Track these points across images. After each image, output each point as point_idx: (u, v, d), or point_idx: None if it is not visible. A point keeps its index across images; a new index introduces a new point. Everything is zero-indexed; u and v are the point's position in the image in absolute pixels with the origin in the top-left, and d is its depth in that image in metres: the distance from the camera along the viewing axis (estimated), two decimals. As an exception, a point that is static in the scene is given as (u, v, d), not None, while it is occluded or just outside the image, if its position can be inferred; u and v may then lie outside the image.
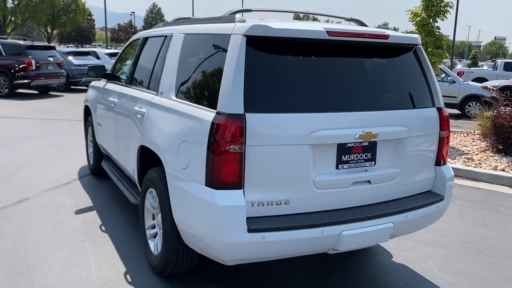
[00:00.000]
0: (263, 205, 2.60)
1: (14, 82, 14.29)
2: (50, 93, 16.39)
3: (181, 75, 3.21)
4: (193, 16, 5.68)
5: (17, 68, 14.24)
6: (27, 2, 34.78)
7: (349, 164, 2.82)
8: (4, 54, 14.56)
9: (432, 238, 4.32)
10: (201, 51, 3.12)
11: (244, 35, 2.58)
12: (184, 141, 2.82)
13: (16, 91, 14.79)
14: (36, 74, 14.51)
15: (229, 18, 2.87)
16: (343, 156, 2.79)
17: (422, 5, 8.57)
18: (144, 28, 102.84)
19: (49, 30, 46.14)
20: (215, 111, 2.58)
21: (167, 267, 3.14)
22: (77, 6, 45.46)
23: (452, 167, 6.69)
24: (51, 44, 18.41)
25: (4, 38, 16.44)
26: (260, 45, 2.62)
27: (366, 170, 2.89)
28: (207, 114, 2.63)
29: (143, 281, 3.27)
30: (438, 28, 8.58)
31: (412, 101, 3.13)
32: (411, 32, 6.43)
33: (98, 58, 19.22)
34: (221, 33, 2.79)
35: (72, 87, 17.35)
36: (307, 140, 2.62)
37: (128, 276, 3.34)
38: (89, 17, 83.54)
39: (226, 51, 2.64)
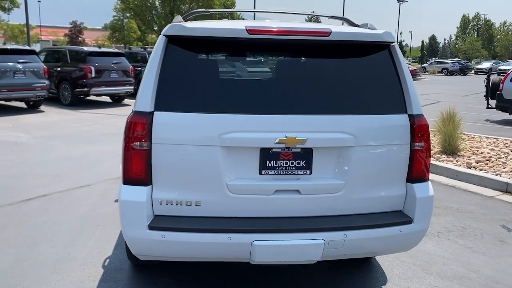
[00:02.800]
0: (171, 204, 2.60)
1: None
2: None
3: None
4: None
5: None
6: (188, 19, 39.05)
7: (275, 171, 2.62)
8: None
9: (456, 271, 3.65)
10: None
11: (164, 35, 2.62)
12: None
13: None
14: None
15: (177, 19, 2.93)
16: (268, 161, 2.60)
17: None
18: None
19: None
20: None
21: (129, 256, 3.33)
22: (232, 17, 49.17)
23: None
24: None
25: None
26: (180, 45, 2.62)
27: (298, 179, 2.64)
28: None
29: (115, 267, 3.51)
30: None
31: (368, 106, 2.73)
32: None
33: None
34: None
35: None
36: (217, 141, 2.53)
37: (107, 261, 3.62)
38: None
39: None
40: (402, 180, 2.79)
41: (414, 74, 38.94)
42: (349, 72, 2.77)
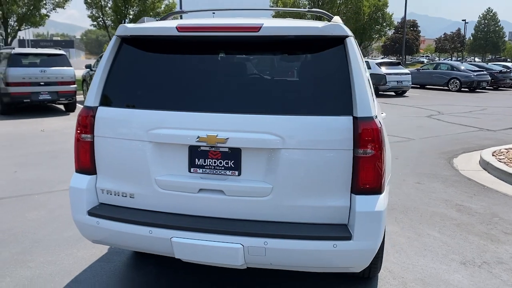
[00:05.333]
0: (111, 194, 2.76)
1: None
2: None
3: None
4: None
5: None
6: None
7: (204, 169, 2.58)
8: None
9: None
10: None
11: (115, 35, 2.80)
12: None
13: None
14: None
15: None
16: (196, 159, 2.59)
17: None
18: (474, 36, 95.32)
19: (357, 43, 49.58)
20: None
21: None
22: (383, 18, 46.99)
23: None
24: None
25: None
26: (129, 44, 2.77)
27: (226, 179, 2.56)
28: None
29: (117, 250, 3.83)
30: None
31: (304, 106, 2.48)
32: None
33: (369, 67, 20.02)
34: None
35: (380, 92, 19.96)
36: (146, 137, 2.61)
37: (117, 243, 3.97)
38: (413, 28, 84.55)
39: None
40: (345, 191, 2.46)
41: None
42: (286, 69, 2.57)
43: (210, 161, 2.57)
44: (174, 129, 2.56)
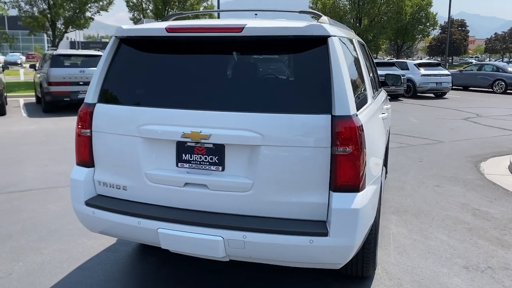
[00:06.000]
0: (107, 186, 2.92)
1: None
2: (399, 99, 18.53)
3: None
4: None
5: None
6: (377, 21, 38.25)
7: (190, 164, 2.69)
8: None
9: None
10: None
11: (114, 36, 2.96)
12: None
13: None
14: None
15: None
16: (183, 154, 2.70)
17: None
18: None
19: (399, 44, 48.58)
20: None
21: None
22: (426, 18, 45.55)
23: None
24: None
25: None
26: (125, 44, 2.93)
27: (210, 174, 2.66)
28: None
29: (125, 241, 4.02)
30: None
31: (284, 104, 2.53)
32: None
33: (407, 68, 19.55)
34: None
35: (418, 94, 19.59)
36: (137, 132, 2.74)
37: (125, 235, 4.16)
38: (461, 28, 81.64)
39: None
40: (323, 188, 2.50)
41: None
42: (269, 68, 2.64)
43: (196, 156, 2.67)
44: (162, 125, 2.69)
